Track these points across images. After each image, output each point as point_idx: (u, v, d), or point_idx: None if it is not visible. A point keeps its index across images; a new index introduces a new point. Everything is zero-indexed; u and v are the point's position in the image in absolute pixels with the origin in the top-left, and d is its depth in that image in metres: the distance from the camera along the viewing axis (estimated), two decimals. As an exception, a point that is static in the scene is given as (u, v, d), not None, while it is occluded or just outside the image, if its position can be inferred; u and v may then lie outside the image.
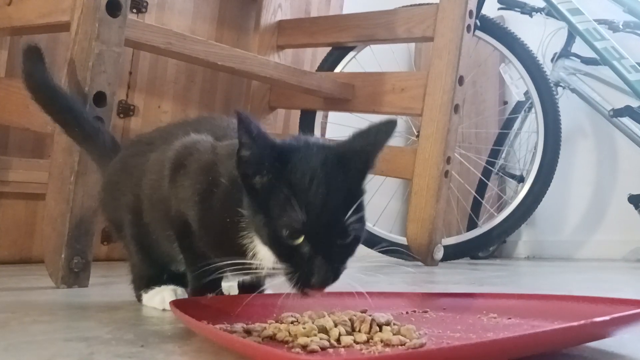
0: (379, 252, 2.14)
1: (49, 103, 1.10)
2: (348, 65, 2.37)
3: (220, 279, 0.84)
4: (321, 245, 0.63)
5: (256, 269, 0.72)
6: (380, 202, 2.42)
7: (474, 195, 2.74)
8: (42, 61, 1.10)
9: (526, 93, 2.55)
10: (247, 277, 0.89)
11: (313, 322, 0.64)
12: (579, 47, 2.61)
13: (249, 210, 0.68)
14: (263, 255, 0.70)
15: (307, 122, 2.37)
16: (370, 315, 0.66)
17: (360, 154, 0.67)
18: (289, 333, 0.62)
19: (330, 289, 0.65)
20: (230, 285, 0.93)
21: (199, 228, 0.79)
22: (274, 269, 0.68)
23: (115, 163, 1.01)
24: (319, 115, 2.39)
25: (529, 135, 2.66)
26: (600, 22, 2.48)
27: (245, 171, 0.67)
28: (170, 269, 0.94)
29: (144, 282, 0.94)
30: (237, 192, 0.72)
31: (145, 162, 0.92)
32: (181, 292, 0.90)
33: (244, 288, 0.92)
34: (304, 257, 0.63)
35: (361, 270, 1.90)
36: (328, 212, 0.63)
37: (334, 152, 0.67)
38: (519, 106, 2.73)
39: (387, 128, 0.69)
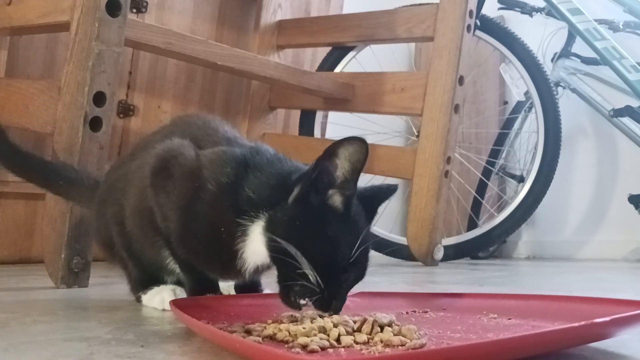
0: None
1: (26, 171, 1.12)
2: (348, 65, 2.37)
3: (217, 283, 0.84)
4: (350, 277, 0.70)
5: (241, 271, 0.76)
6: (381, 202, 2.42)
7: (474, 195, 2.74)
8: (4, 135, 1.11)
9: (526, 93, 2.54)
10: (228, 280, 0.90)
11: (312, 322, 0.64)
12: (579, 47, 2.61)
13: (293, 219, 0.69)
14: (250, 257, 0.74)
15: (307, 122, 2.37)
16: (372, 316, 0.65)
17: (372, 203, 0.76)
18: (289, 333, 0.62)
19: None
20: (229, 286, 0.93)
21: (181, 233, 0.79)
22: (255, 272, 0.77)
23: (102, 185, 1.01)
24: (319, 115, 2.39)
25: (529, 135, 2.66)
26: (600, 22, 2.48)
27: (319, 193, 0.69)
28: (162, 279, 0.94)
29: (142, 284, 0.94)
30: (229, 199, 0.74)
31: (127, 172, 0.92)
32: (180, 292, 0.90)
33: (242, 288, 0.92)
34: (334, 283, 0.68)
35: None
36: (366, 250, 0.70)
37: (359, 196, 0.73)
38: (519, 106, 2.73)
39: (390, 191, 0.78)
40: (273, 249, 0.70)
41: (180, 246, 0.80)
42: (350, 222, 0.70)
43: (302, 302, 0.69)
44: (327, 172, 0.69)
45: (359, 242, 0.69)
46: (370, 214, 0.75)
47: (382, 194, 0.78)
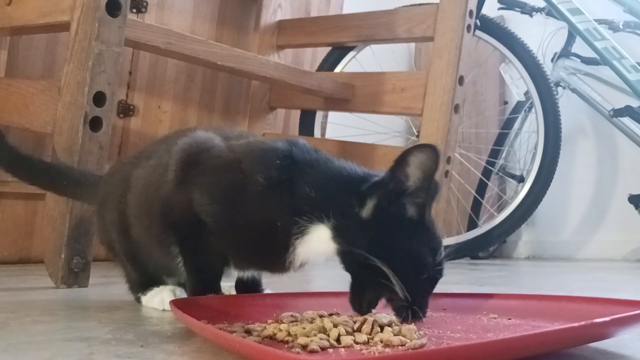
0: None
1: (28, 174, 1.11)
2: (348, 65, 2.37)
3: (219, 283, 0.84)
4: (433, 282, 0.71)
5: (288, 267, 0.76)
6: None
7: (474, 195, 2.74)
8: (3, 139, 1.10)
9: (526, 93, 2.54)
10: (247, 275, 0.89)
11: (312, 322, 0.64)
12: (579, 47, 2.61)
13: (374, 234, 0.69)
14: (302, 255, 0.74)
15: (307, 122, 2.37)
16: (372, 316, 0.65)
17: None
18: (289, 333, 0.62)
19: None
20: (230, 286, 0.93)
21: (223, 229, 0.78)
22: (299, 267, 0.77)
23: (101, 186, 1.01)
24: (319, 115, 2.39)
25: (529, 135, 2.66)
26: (600, 22, 2.48)
27: (396, 203, 0.69)
28: (162, 280, 0.94)
29: (141, 286, 0.94)
30: (285, 195, 0.73)
31: (128, 178, 0.91)
32: (180, 292, 0.90)
33: (242, 288, 0.92)
34: (419, 291, 0.69)
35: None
36: (443, 258, 0.71)
37: None
38: (519, 106, 2.73)
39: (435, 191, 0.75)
40: (349, 259, 0.70)
41: (221, 241, 0.79)
42: (428, 229, 0.70)
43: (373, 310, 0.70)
44: (399, 182, 0.69)
45: (441, 249, 0.70)
46: None
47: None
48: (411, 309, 0.68)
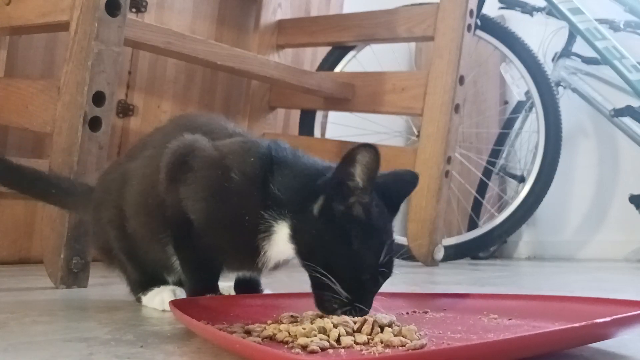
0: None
1: (19, 184, 1.10)
2: (348, 64, 2.37)
3: (217, 281, 0.84)
4: (377, 282, 0.71)
5: (261, 267, 0.77)
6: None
7: (475, 196, 2.74)
8: None
9: (527, 93, 2.54)
10: (243, 275, 0.89)
11: (312, 323, 0.64)
12: (579, 46, 2.61)
13: (319, 234, 0.69)
14: (273, 255, 0.75)
15: (307, 121, 2.37)
16: (372, 316, 0.65)
17: (395, 198, 0.76)
18: (289, 333, 0.61)
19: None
20: (229, 286, 0.93)
21: (204, 225, 0.79)
22: (274, 268, 0.77)
23: (96, 189, 1.01)
24: (319, 115, 2.39)
25: (529, 135, 2.65)
26: (601, 21, 2.48)
27: (342, 202, 0.69)
28: (162, 277, 0.94)
29: (142, 285, 0.94)
30: (254, 190, 0.74)
31: (124, 173, 0.92)
32: (180, 293, 0.90)
33: (241, 289, 0.92)
34: (362, 290, 0.69)
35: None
36: (389, 250, 0.71)
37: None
38: (519, 106, 2.73)
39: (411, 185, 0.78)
40: (303, 259, 0.71)
41: (202, 237, 0.79)
42: (373, 229, 0.70)
43: (335, 306, 0.69)
44: (345, 181, 0.69)
45: (385, 249, 0.70)
46: (393, 209, 0.75)
47: (404, 188, 0.78)
48: (353, 307, 0.68)
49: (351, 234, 0.69)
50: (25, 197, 1.15)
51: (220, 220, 0.77)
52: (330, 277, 0.68)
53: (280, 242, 0.74)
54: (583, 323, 0.53)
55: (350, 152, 0.67)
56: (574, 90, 2.64)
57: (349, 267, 0.68)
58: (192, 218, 0.79)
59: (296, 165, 0.76)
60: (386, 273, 0.71)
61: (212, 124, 0.91)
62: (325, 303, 0.69)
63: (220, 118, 0.94)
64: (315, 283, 0.70)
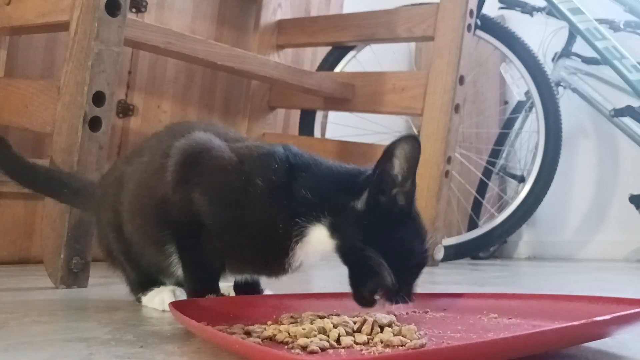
0: None
1: (32, 182, 1.12)
2: (348, 64, 2.37)
3: (218, 283, 0.84)
4: (420, 267, 0.74)
5: (287, 269, 0.77)
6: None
7: (475, 196, 2.74)
8: (10, 148, 1.11)
9: (527, 93, 2.54)
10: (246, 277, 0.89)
11: (312, 323, 0.64)
12: (579, 46, 2.61)
13: (366, 227, 0.71)
14: (302, 259, 0.76)
15: (307, 121, 2.37)
16: (372, 316, 0.65)
17: None
18: (289, 334, 0.61)
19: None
20: (229, 287, 0.93)
21: (223, 232, 0.78)
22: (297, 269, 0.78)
23: (97, 192, 1.01)
24: (319, 115, 2.39)
25: (529, 135, 2.65)
26: (601, 21, 2.48)
27: (386, 193, 0.72)
28: (160, 280, 0.94)
29: (141, 286, 0.94)
30: (283, 198, 0.75)
31: (121, 176, 0.91)
32: (180, 293, 0.90)
33: (241, 290, 0.92)
34: (409, 277, 0.72)
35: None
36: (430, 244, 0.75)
37: None
38: (519, 106, 2.73)
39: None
40: (347, 253, 0.73)
41: (219, 242, 0.79)
42: (416, 217, 0.74)
43: (376, 297, 0.72)
44: (388, 173, 0.71)
45: (427, 235, 0.74)
46: None
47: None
48: (399, 295, 0.71)
49: (398, 222, 0.71)
50: (39, 193, 1.16)
51: (244, 227, 0.77)
52: (383, 263, 0.70)
53: (312, 243, 0.75)
54: (582, 321, 0.53)
55: (392, 145, 0.70)
56: (574, 90, 2.64)
57: (398, 255, 0.71)
58: (208, 222, 0.78)
59: (321, 169, 0.77)
60: (428, 259, 0.75)
61: (214, 129, 0.89)
62: (366, 294, 0.72)
63: (219, 125, 0.94)
64: (357, 275, 0.73)
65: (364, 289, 0.72)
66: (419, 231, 0.73)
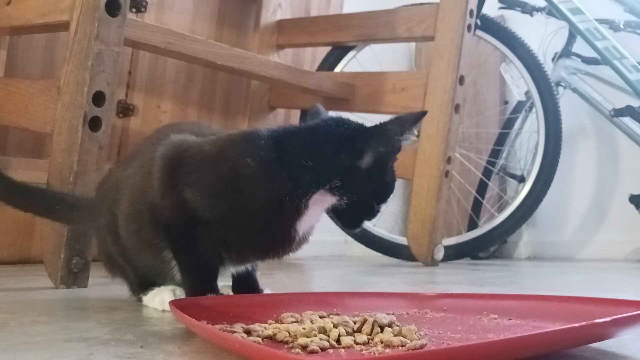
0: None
1: (23, 203, 1.09)
2: (348, 64, 2.36)
3: (216, 283, 0.84)
4: None
5: (291, 246, 0.81)
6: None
7: (475, 196, 2.74)
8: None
9: (527, 93, 2.54)
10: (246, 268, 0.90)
11: (312, 323, 0.64)
12: (579, 46, 2.61)
13: (367, 178, 0.78)
14: (302, 229, 0.80)
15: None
16: (372, 316, 0.65)
17: None
18: (289, 333, 0.61)
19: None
20: (227, 286, 0.93)
21: (220, 219, 0.78)
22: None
23: (95, 198, 1.00)
24: (319, 115, 2.38)
25: (529, 135, 2.65)
26: (601, 21, 2.48)
27: (386, 147, 0.79)
28: (160, 283, 0.94)
29: (141, 287, 0.94)
30: (280, 171, 0.76)
31: (118, 180, 0.92)
32: (180, 293, 0.90)
33: (240, 289, 0.92)
34: (384, 202, 0.83)
35: (361, 271, 1.90)
36: None
37: None
38: (519, 106, 2.73)
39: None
40: (346, 197, 0.78)
41: (221, 233, 0.79)
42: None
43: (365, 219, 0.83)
44: (390, 132, 0.79)
45: None
46: None
47: None
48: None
49: (388, 168, 0.80)
50: (31, 214, 1.13)
51: (245, 211, 0.77)
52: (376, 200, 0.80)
53: (317, 210, 0.79)
54: (583, 323, 0.53)
55: (399, 117, 0.80)
56: (574, 90, 2.64)
57: (385, 190, 0.81)
58: (206, 217, 0.78)
59: (306, 136, 0.79)
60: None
61: (200, 126, 0.91)
62: (356, 220, 0.82)
63: (206, 123, 0.95)
64: (352, 209, 0.79)
65: (359, 223, 0.82)
66: (393, 170, 0.83)
